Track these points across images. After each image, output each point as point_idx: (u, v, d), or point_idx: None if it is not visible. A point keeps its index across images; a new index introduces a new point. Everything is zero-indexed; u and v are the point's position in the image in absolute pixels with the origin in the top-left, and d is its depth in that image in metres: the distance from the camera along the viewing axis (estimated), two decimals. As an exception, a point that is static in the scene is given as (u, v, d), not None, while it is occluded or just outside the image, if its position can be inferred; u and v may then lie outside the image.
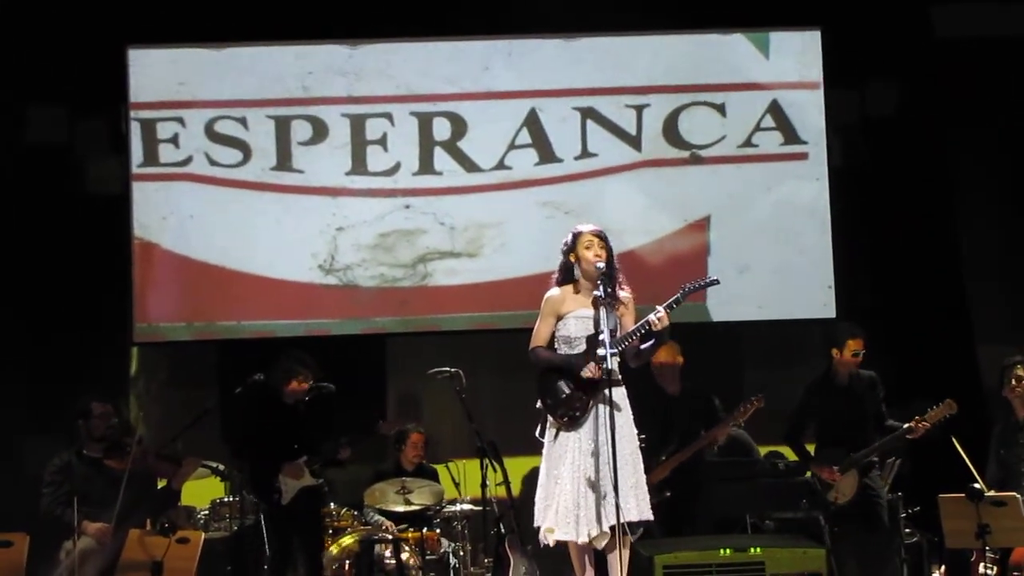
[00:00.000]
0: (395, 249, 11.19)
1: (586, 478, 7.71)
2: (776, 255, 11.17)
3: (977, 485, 8.69)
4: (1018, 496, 8.55)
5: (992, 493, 8.67)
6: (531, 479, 10.15)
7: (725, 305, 11.05)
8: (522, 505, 9.61)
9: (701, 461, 9.57)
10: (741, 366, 11.56)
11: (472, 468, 9.80)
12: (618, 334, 7.82)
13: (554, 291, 8.08)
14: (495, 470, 9.39)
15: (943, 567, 9.59)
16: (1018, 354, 9.36)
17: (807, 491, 9.43)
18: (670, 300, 7.76)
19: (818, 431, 9.58)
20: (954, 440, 9.12)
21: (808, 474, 9.58)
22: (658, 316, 7.74)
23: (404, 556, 9.45)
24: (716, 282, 8.18)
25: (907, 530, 9.68)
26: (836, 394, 9.51)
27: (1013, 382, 9.28)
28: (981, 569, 8.74)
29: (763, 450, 10.34)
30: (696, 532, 9.12)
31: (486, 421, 9.78)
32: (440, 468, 10.44)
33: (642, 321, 7.81)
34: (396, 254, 11.18)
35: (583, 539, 7.73)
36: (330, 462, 9.68)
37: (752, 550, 7.36)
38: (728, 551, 7.27)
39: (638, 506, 7.76)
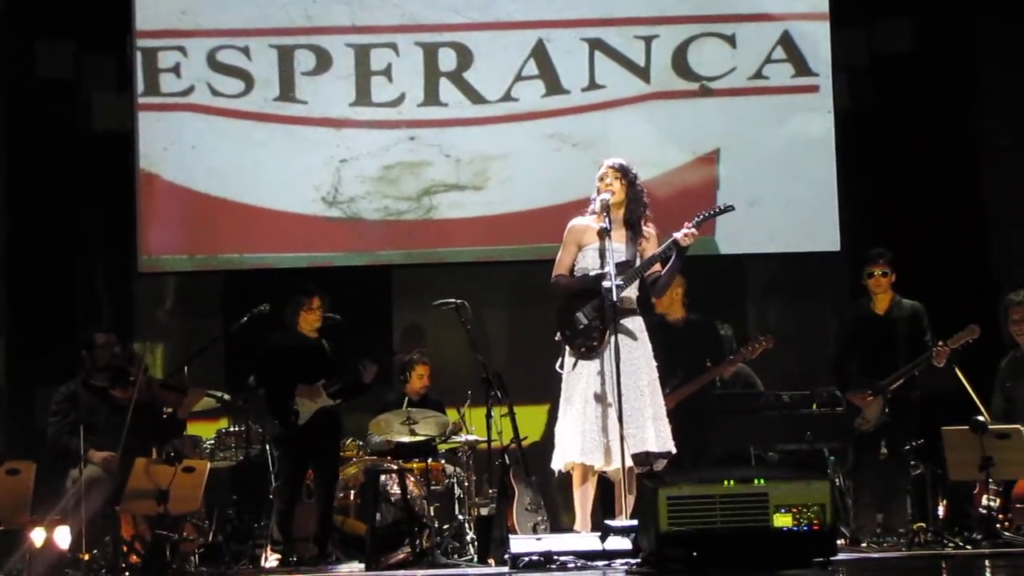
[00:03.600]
0: (400, 181, 11.34)
1: (601, 406, 8.12)
2: (785, 189, 11.34)
3: (981, 417, 9.06)
4: (1022, 428, 8.90)
5: (996, 425, 9.03)
6: (538, 415, 10.54)
7: (734, 238, 11.23)
8: (528, 438, 10.02)
9: (706, 394, 9.83)
10: (744, 298, 11.78)
11: (478, 416, 10.06)
12: (637, 264, 8.21)
13: (578, 220, 8.44)
14: (500, 398, 9.63)
15: (946, 499, 9.82)
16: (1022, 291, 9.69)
17: (812, 423, 9.74)
18: (695, 220, 8.17)
19: (857, 359, 9.83)
20: (958, 371, 9.46)
21: (814, 406, 9.92)
22: (685, 233, 8.12)
23: (409, 486, 9.71)
24: (731, 208, 8.58)
25: (911, 462, 9.89)
26: (871, 322, 9.79)
27: (1015, 316, 9.64)
28: (984, 501, 9.09)
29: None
30: (700, 465, 9.41)
31: (492, 353, 10.02)
32: (451, 412, 10.64)
33: (667, 242, 8.17)
34: (401, 186, 11.34)
35: (598, 465, 8.16)
36: (354, 386, 9.83)
37: (756, 482, 7.35)
38: (732, 483, 7.28)
39: (658, 437, 8.21)
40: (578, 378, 8.27)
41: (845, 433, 9.74)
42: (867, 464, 9.75)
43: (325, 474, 9.81)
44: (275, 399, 9.76)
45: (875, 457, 9.74)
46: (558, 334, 8.38)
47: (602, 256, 8.22)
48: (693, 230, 8.17)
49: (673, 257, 8.24)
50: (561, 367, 8.38)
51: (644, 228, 8.37)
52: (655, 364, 8.36)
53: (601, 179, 8.39)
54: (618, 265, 8.15)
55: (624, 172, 8.38)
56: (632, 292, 8.32)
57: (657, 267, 8.33)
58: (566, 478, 8.47)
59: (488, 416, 9.68)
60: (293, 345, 9.80)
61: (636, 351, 8.24)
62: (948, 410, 9.58)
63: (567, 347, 8.35)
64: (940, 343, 9.47)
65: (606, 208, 8.27)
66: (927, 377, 9.68)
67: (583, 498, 8.35)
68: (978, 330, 9.43)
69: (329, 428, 9.84)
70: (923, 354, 9.56)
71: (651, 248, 8.32)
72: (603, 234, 8.22)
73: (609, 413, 8.11)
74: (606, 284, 8.08)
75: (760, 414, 9.87)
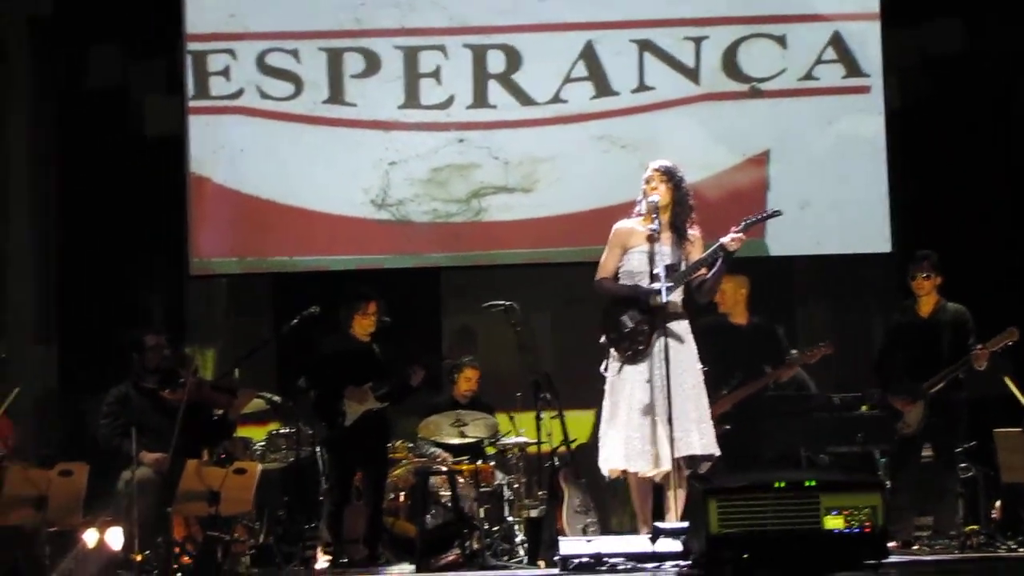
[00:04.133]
0: (448, 184, 11.44)
1: (646, 411, 8.14)
2: (836, 190, 11.37)
3: (1032, 419, 9.09)
4: (1075, 430, 8.94)
5: (1048, 427, 9.06)
6: (587, 417, 10.58)
7: (783, 239, 11.25)
8: (577, 440, 10.09)
9: (759, 396, 9.86)
10: (793, 300, 11.76)
11: (528, 418, 10.15)
12: (682, 268, 8.23)
13: (623, 222, 8.44)
14: (548, 401, 9.67)
15: (999, 502, 9.86)
16: None
17: (863, 425, 9.74)
18: (742, 224, 8.19)
19: (900, 361, 9.82)
20: (1007, 379, 9.46)
21: (864, 407, 9.91)
22: (732, 237, 8.13)
23: (459, 488, 9.76)
24: (779, 213, 8.62)
25: (963, 465, 9.94)
26: (915, 325, 9.80)
27: None
28: (1037, 503, 9.18)
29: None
30: (752, 467, 9.40)
31: (541, 355, 10.06)
32: (501, 418, 10.73)
33: (714, 246, 8.20)
34: (449, 189, 11.43)
35: (643, 471, 8.18)
36: (402, 389, 9.88)
37: (807, 483, 7.32)
38: (783, 485, 7.22)
39: (702, 440, 8.22)
40: (623, 383, 8.29)
41: (888, 436, 9.75)
42: (908, 467, 9.74)
43: (373, 476, 9.90)
44: (323, 401, 9.85)
45: (916, 460, 9.75)
46: (603, 337, 8.41)
47: (651, 260, 8.22)
48: (740, 235, 8.18)
49: (719, 261, 8.27)
50: (606, 370, 8.41)
51: (689, 231, 8.38)
52: (700, 367, 8.36)
53: (647, 182, 8.39)
54: (664, 268, 8.17)
55: (670, 175, 8.37)
56: (678, 296, 8.35)
57: (703, 270, 8.34)
58: (616, 480, 8.51)
59: (538, 418, 9.72)
60: (344, 348, 9.89)
61: (682, 354, 8.23)
62: (1000, 412, 9.57)
63: (613, 350, 8.38)
64: (979, 346, 9.48)
65: (655, 210, 8.29)
66: (978, 380, 9.68)
67: (641, 499, 8.40)
68: (1017, 333, 9.43)
69: (376, 430, 9.91)
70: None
71: (696, 251, 8.33)
72: (653, 237, 8.23)
73: (656, 419, 8.12)
74: (656, 286, 8.09)
75: (811, 416, 9.90)
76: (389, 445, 10.30)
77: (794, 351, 9.98)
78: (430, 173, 11.47)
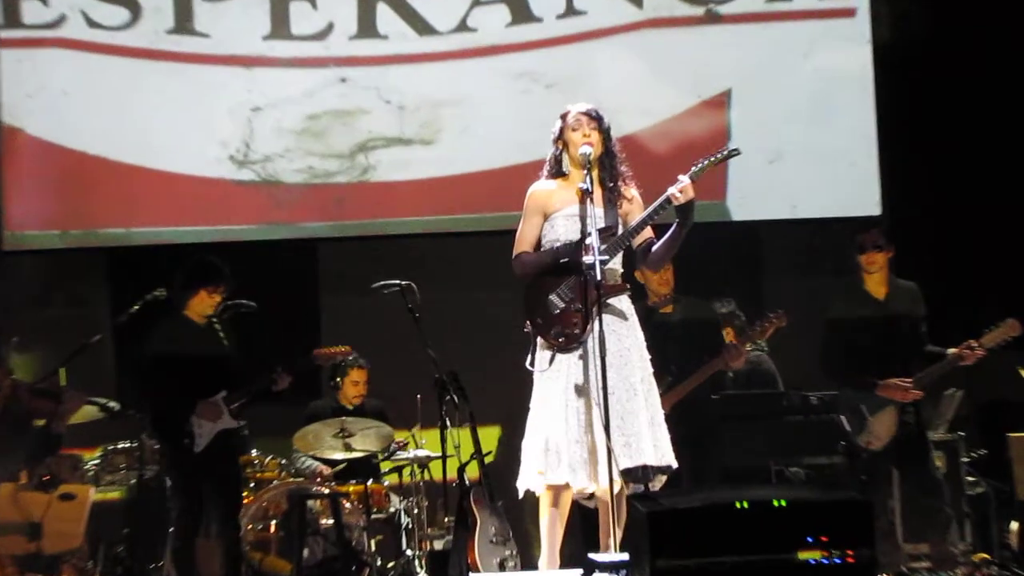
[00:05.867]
0: (328, 135, 11.63)
1: (585, 411, 8.20)
2: (813, 140, 11.57)
3: (1052, 423, 9.39)
4: (1105, 436, 9.28)
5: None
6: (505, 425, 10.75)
7: (749, 201, 11.53)
8: (492, 453, 10.24)
9: (711, 394, 10.03)
10: (760, 276, 12.00)
11: (430, 431, 10.31)
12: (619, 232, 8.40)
13: (539, 185, 8.54)
14: (456, 404, 9.79)
15: (1014, 523, 9.98)
16: None
17: (845, 431, 9.83)
18: (692, 170, 8.27)
19: (847, 354, 9.92)
20: (1021, 371, 9.74)
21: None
22: (680, 187, 8.19)
23: (344, 514, 9.96)
24: (736, 152, 8.70)
25: (970, 478, 10.21)
26: (868, 310, 9.95)
27: None
28: (1060, 522, 9.46)
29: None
30: (706, 481, 9.59)
31: (446, 347, 10.20)
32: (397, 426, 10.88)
33: (660, 199, 8.27)
34: (329, 141, 11.62)
35: (578, 485, 8.20)
36: (261, 395, 10.02)
37: (776, 504, 7.30)
38: (745, 505, 7.24)
39: (656, 448, 8.24)
40: (556, 377, 8.32)
41: (852, 455, 9.87)
42: (882, 488, 9.93)
43: (225, 504, 9.95)
44: (162, 417, 9.91)
45: (890, 479, 9.99)
46: (528, 323, 8.47)
47: (582, 222, 8.24)
48: (687, 181, 8.23)
49: (676, 224, 8.35)
50: (532, 364, 8.42)
51: (624, 189, 8.52)
52: (647, 355, 8.42)
53: (574, 129, 8.44)
54: (599, 232, 8.25)
55: (600, 120, 8.49)
56: (617, 264, 8.44)
57: (648, 233, 8.47)
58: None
59: (443, 427, 9.82)
60: (179, 339, 9.95)
61: (627, 339, 8.31)
62: (1015, 416, 9.86)
63: (540, 338, 8.43)
64: (971, 342, 9.60)
65: (587, 164, 8.38)
66: (987, 378, 9.94)
67: (552, 526, 8.39)
68: (1018, 327, 9.56)
69: (227, 450, 10.01)
70: (937, 353, 9.76)
71: (636, 209, 8.43)
72: (585, 195, 8.25)
73: (595, 420, 8.13)
74: (588, 259, 8.09)
75: (781, 419, 10.06)
76: (256, 462, 10.46)
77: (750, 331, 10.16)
78: (304, 121, 11.65)
